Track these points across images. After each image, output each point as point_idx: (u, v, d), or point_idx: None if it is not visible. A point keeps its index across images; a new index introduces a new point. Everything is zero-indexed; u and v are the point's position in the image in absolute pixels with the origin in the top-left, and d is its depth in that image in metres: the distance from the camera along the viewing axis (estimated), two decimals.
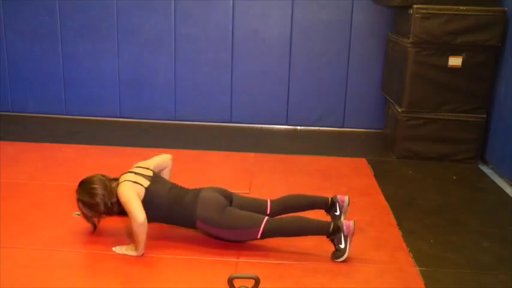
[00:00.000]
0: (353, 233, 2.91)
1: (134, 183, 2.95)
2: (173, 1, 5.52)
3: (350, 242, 2.91)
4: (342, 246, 2.90)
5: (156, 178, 3.07)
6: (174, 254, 2.98)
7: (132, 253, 2.93)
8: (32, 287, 2.63)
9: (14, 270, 2.77)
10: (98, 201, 2.95)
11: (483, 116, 4.66)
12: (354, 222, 2.94)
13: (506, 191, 4.13)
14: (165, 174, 3.30)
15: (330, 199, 3.27)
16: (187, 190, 3.08)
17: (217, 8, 5.53)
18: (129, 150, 4.77)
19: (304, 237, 3.00)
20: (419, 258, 3.01)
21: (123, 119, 5.83)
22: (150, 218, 2.97)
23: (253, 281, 2.29)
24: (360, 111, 5.69)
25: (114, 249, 2.97)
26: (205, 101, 5.76)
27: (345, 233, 2.90)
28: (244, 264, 2.86)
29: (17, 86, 5.89)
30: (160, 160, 3.27)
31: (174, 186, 3.10)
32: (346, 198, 3.28)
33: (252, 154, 4.80)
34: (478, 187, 4.26)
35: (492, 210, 3.83)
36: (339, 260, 2.91)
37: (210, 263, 2.89)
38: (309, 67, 5.61)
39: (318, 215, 3.16)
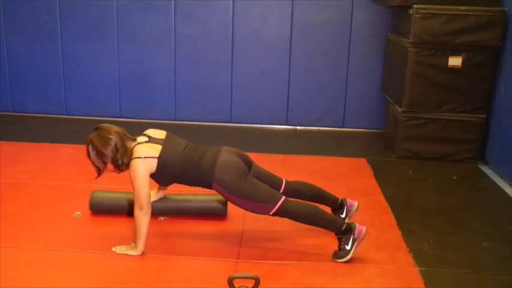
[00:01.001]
0: (362, 238, 2.91)
1: (145, 160, 2.86)
2: (173, 1, 5.52)
3: (357, 246, 2.90)
4: (348, 248, 2.89)
5: (168, 141, 2.98)
6: (174, 253, 2.98)
7: (133, 252, 2.93)
8: (32, 287, 2.63)
9: (14, 270, 2.77)
10: (108, 153, 2.87)
11: (483, 116, 4.66)
12: (366, 228, 2.92)
13: (506, 191, 4.12)
14: None
15: (340, 200, 3.27)
16: (204, 150, 2.98)
17: (217, 8, 5.53)
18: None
19: (303, 235, 3.00)
20: (419, 258, 3.01)
21: (123, 119, 5.83)
22: (167, 182, 2.98)
23: (253, 281, 2.29)
24: (360, 111, 5.69)
25: (114, 249, 2.96)
26: (205, 101, 5.76)
27: (355, 236, 2.89)
28: (244, 264, 2.86)
29: (17, 86, 5.89)
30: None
31: (188, 146, 3.00)
32: (355, 203, 3.28)
33: (252, 154, 4.77)
34: (478, 187, 4.26)
35: (492, 210, 3.83)
36: (339, 261, 2.90)
37: (210, 263, 2.89)
38: (309, 67, 5.61)
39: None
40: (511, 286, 2.77)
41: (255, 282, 2.29)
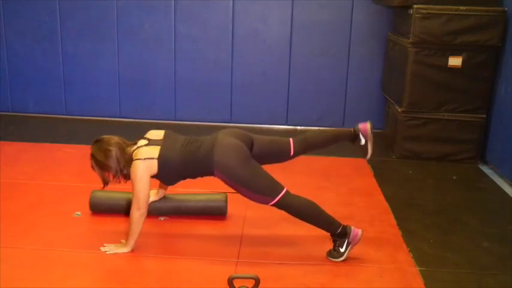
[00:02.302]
0: (357, 242, 2.91)
1: (145, 161, 2.86)
2: (173, 1, 5.52)
3: (351, 249, 2.91)
4: (342, 250, 2.90)
5: (166, 140, 2.97)
6: (174, 254, 2.98)
7: (123, 250, 2.93)
8: (32, 287, 2.63)
9: (14, 270, 2.77)
10: (111, 166, 2.89)
11: (483, 116, 4.65)
12: (362, 231, 2.93)
13: (506, 191, 4.12)
14: None
15: (353, 130, 3.17)
16: (201, 140, 2.97)
17: (217, 8, 5.53)
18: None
19: (302, 236, 3.00)
20: (419, 258, 3.01)
21: (123, 119, 5.83)
22: (172, 182, 2.98)
23: (253, 281, 2.29)
24: (360, 111, 5.68)
25: (103, 249, 2.96)
26: (205, 101, 5.76)
27: (350, 240, 2.89)
28: (244, 264, 2.86)
29: (17, 86, 5.89)
30: None
31: (186, 141, 2.99)
32: (368, 125, 3.16)
33: None
34: (478, 187, 4.26)
35: (492, 210, 3.83)
36: (333, 260, 2.91)
37: (210, 263, 2.89)
38: (309, 67, 5.61)
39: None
40: (511, 286, 2.77)
41: (255, 282, 2.29)
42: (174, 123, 5.77)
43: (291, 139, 3.13)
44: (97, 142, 2.99)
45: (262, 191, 2.85)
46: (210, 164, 2.85)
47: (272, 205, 2.87)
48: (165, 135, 3.02)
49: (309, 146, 3.14)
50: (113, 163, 2.89)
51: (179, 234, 3.19)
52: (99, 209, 3.41)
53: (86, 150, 4.74)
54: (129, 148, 2.96)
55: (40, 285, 2.64)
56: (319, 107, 5.70)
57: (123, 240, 2.98)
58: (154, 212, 3.35)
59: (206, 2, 5.52)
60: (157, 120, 5.79)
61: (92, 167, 2.98)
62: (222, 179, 2.89)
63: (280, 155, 3.06)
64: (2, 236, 3.09)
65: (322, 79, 5.63)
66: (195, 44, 5.62)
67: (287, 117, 5.76)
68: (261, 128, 5.75)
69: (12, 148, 4.75)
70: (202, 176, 2.97)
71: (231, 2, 5.50)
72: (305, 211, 2.91)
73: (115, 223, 3.29)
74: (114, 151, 2.90)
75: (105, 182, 2.98)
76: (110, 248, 2.95)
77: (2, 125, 5.51)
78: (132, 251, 2.94)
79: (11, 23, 5.71)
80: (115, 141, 2.96)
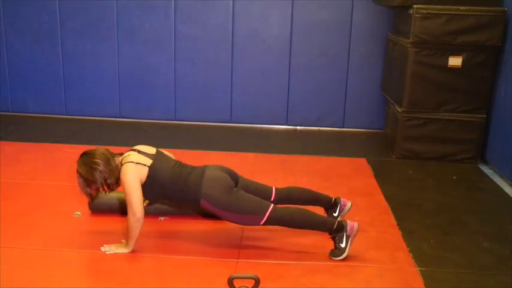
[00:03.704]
0: (355, 234, 2.92)
1: (137, 165, 2.87)
2: (173, 1, 5.52)
3: (351, 243, 2.91)
4: (343, 245, 2.90)
5: (159, 156, 3.00)
6: (174, 254, 2.98)
7: (123, 250, 2.93)
8: (32, 287, 2.63)
9: (14, 270, 2.77)
10: (96, 178, 2.86)
11: (483, 116, 4.65)
12: (358, 223, 2.94)
13: (506, 191, 4.12)
14: None
15: (333, 199, 3.28)
16: (192, 167, 3.02)
17: (217, 8, 5.53)
18: (129, 150, 4.75)
19: (302, 235, 3.00)
20: (419, 258, 3.01)
21: (123, 119, 5.83)
22: (154, 197, 2.96)
23: (253, 281, 2.29)
24: (360, 111, 5.69)
25: (103, 249, 2.96)
26: (205, 101, 5.76)
27: (348, 233, 2.90)
28: (244, 264, 2.86)
29: (17, 86, 5.89)
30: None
31: (177, 163, 3.03)
32: (349, 203, 3.29)
33: (252, 154, 4.80)
34: (478, 187, 4.26)
35: (492, 210, 3.83)
36: (337, 259, 2.91)
37: (210, 263, 2.89)
38: (309, 67, 5.61)
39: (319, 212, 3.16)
40: (511, 286, 2.77)
41: (255, 282, 2.29)
42: (174, 123, 5.78)
43: (274, 188, 3.18)
44: (81, 156, 2.96)
45: (250, 210, 2.89)
46: (197, 194, 2.89)
47: (264, 222, 2.89)
48: (157, 151, 3.04)
49: (290, 199, 3.17)
50: (98, 176, 2.87)
51: (179, 234, 3.19)
52: (98, 209, 3.41)
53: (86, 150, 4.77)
54: (115, 159, 2.95)
55: (40, 285, 2.64)
56: (319, 107, 5.70)
57: (123, 240, 2.99)
58: (154, 212, 3.35)
59: (206, 2, 5.53)
60: (157, 120, 5.79)
61: (78, 182, 2.94)
62: (209, 209, 2.93)
63: (261, 197, 3.05)
64: (2, 236, 3.09)
65: (322, 79, 5.63)
66: (195, 44, 5.62)
67: (287, 117, 5.76)
68: (261, 128, 5.75)
69: (12, 148, 4.75)
70: (183, 204, 3.02)
71: (231, 2, 5.50)
72: (298, 219, 2.94)
73: (115, 223, 3.29)
74: (99, 162, 2.88)
75: (91, 197, 2.98)
76: (110, 248, 2.96)
77: (2, 125, 5.52)
78: (132, 251, 2.94)
79: (11, 23, 5.72)
80: (99, 152, 2.95)
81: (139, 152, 2.98)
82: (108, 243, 3.00)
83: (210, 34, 5.59)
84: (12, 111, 5.95)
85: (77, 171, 2.92)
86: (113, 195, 3.41)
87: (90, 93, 5.82)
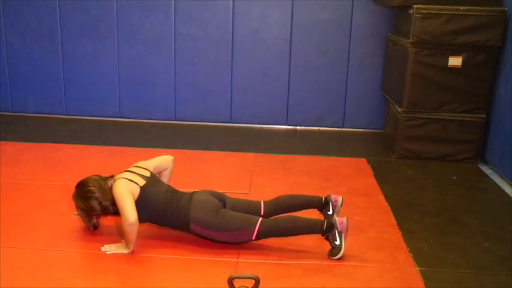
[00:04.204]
0: (347, 228, 2.93)
1: (130, 182, 2.95)
2: (173, 1, 5.52)
3: (345, 238, 2.92)
4: (338, 242, 2.91)
5: (152, 179, 3.08)
6: (174, 254, 2.98)
7: (123, 251, 2.94)
8: (32, 287, 2.63)
9: (14, 270, 2.77)
10: (93, 205, 2.97)
11: (483, 116, 4.66)
12: (347, 218, 2.95)
13: (506, 191, 4.13)
14: (165, 176, 3.31)
15: (323, 198, 3.27)
16: (181, 193, 3.09)
17: (217, 8, 5.53)
18: (129, 150, 4.77)
19: (302, 236, 3.00)
20: (419, 258, 3.01)
21: (123, 119, 5.83)
22: (144, 218, 2.98)
23: (253, 281, 2.29)
24: (360, 111, 5.69)
25: (103, 249, 2.97)
26: (205, 101, 5.76)
27: (339, 229, 2.91)
28: (244, 264, 2.86)
29: (17, 86, 5.89)
30: (161, 161, 3.27)
31: (169, 188, 3.11)
32: (339, 198, 3.27)
33: (252, 154, 4.80)
34: (478, 187, 4.26)
35: (492, 210, 3.83)
36: (336, 258, 2.91)
37: (210, 263, 2.89)
38: (309, 67, 5.61)
39: (314, 215, 3.16)
40: (511, 286, 2.77)
41: (255, 282, 2.29)
42: (174, 123, 5.77)
43: (262, 202, 3.19)
44: (76, 189, 3.06)
45: (239, 227, 2.93)
46: (187, 218, 2.95)
47: (255, 237, 2.93)
48: (152, 174, 3.10)
49: (280, 209, 3.17)
50: (93, 202, 2.96)
51: (179, 234, 3.19)
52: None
53: (86, 150, 4.78)
54: (107, 181, 3.03)
55: (40, 285, 2.64)
56: (319, 107, 5.70)
57: (123, 241, 2.99)
58: None
59: (206, 2, 5.53)
60: (157, 120, 5.79)
61: (80, 218, 3.08)
62: (199, 232, 2.98)
63: (250, 213, 3.07)
64: (2, 236, 3.09)
65: (322, 79, 5.63)
66: (195, 44, 5.62)
67: (287, 117, 5.76)
68: (261, 128, 5.75)
69: (12, 148, 4.75)
70: (174, 227, 3.05)
71: (231, 2, 5.50)
72: (287, 227, 2.96)
73: (115, 223, 3.28)
74: (92, 189, 2.96)
75: (95, 227, 3.09)
76: (110, 248, 2.96)
77: (2, 125, 5.52)
78: (132, 251, 2.94)
79: (11, 23, 5.72)
80: (92, 179, 3.04)
81: (133, 173, 3.04)
82: (108, 243, 3.00)
83: (210, 34, 5.59)
84: (12, 111, 5.95)
85: (76, 206, 3.04)
86: None
87: (90, 93, 5.82)
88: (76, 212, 3.42)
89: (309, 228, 2.96)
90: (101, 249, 2.96)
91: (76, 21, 5.65)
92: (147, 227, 3.15)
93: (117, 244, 2.99)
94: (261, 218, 2.95)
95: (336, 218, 2.94)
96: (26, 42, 5.75)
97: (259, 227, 2.91)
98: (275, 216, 3.08)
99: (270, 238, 2.99)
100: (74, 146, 4.83)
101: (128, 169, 3.09)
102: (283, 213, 3.15)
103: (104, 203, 2.96)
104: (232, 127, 5.75)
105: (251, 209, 3.12)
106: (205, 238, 3.02)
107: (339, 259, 2.91)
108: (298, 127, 5.79)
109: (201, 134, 5.50)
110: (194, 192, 3.08)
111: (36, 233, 3.17)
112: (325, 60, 5.58)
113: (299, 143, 5.34)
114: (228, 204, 3.09)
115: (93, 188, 2.97)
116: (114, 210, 2.98)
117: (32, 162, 4.42)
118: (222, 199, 3.08)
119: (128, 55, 5.69)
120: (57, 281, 2.68)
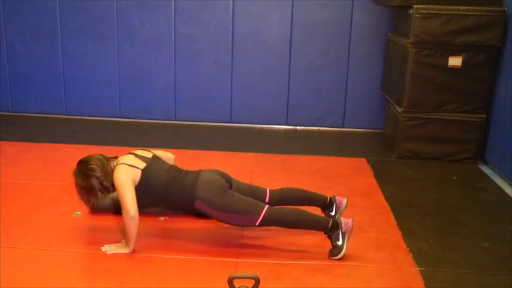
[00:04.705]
0: (351, 230, 2.93)
1: (130, 167, 2.90)
2: (173, 1, 5.52)
3: (348, 240, 2.92)
4: (340, 243, 2.91)
5: (154, 160, 3.03)
6: (174, 254, 2.98)
7: (124, 251, 2.93)
8: (32, 287, 2.63)
9: (14, 270, 2.77)
10: (93, 184, 2.90)
11: (483, 116, 4.65)
12: (352, 219, 2.95)
13: (506, 191, 4.12)
14: None
15: (328, 198, 3.28)
16: (186, 171, 3.05)
17: (217, 8, 5.53)
18: (129, 150, 4.74)
19: (302, 235, 3.01)
20: (419, 258, 3.01)
21: (123, 119, 5.83)
22: (147, 202, 2.97)
23: (253, 281, 2.29)
24: (360, 111, 5.69)
25: (103, 249, 2.96)
26: (205, 101, 5.76)
27: (343, 230, 2.91)
28: (244, 264, 2.86)
29: (17, 86, 5.89)
30: (163, 154, 3.24)
31: (172, 168, 3.06)
32: (344, 200, 3.28)
33: (252, 154, 4.80)
34: (478, 187, 4.26)
35: (492, 210, 3.83)
36: (336, 258, 2.91)
37: (210, 263, 2.89)
38: (309, 67, 5.61)
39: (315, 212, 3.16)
40: (511, 286, 2.77)
41: (255, 282, 2.29)
42: (174, 123, 5.77)
43: (268, 190, 3.19)
44: (77, 166, 3.00)
45: (245, 211, 2.90)
46: (192, 196, 2.91)
47: (260, 223, 2.90)
48: (153, 156, 3.07)
49: (285, 200, 3.17)
50: (94, 181, 2.91)
51: (179, 234, 3.19)
52: (99, 208, 3.41)
53: (86, 150, 4.76)
54: (110, 162, 2.99)
55: (40, 285, 2.64)
56: (319, 107, 5.71)
57: (123, 240, 2.98)
58: (154, 212, 3.35)
59: (206, 2, 5.53)
60: (157, 120, 5.79)
61: (78, 194, 3.00)
62: (203, 210, 2.94)
63: (255, 199, 3.05)
64: (2, 236, 3.09)
65: (322, 79, 5.63)
66: (195, 44, 5.62)
67: (287, 117, 5.76)
68: (261, 128, 5.75)
69: (12, 148, 4.75)
70: (178, 207, 3.04)
71: (231, 2, 5.50)
72: (293, 219, 2.95)
73: (115, 223, 3.29)
74: (94, 167, 2.92)
75: (93, 206, 3.06)
76: (110, 248, 2.95)
77: (2, 125, 5.52)
78: (132, 251, 2.94)
79: (11, 23, 5.72)
80: (95, 157, 2.99)
81: (135, 155, 3.01)
82: (108, 243, 3.00)
83: (210, 34, 5.59)
84: (12, 111, 5.95)
85: (75, 182, 2.97)
86: (113, 195, 3.41)
87: (90, 93, 5.82)
88: (76, 212, 3.43)
89: (313, 224, 2.96)
90: (101, 249, 2.96)
91: (76, 21, 5.65)
92: (147, 227, 3.15)
93: (117, 244, 2.98)
94: (267, 206, 2.93)
95: (342, 219, 2.94)
96: (26, 42, 5.75)
97: (265, 213, 2.88)
98: (281, 206, 3.06)
99: (272, 227, 2.97)
100: (74, 146, 4.83)
101: (131, 152, 3.06)
102: (286, 204, 3.13)
103: (105, 183, 2.92)
104: (232, 127, 5.75)
105: (257, 194, 3.10)
106: (208, 217, 2.99)
107: (339, 259, 2.91)
108: (298, 127, 5.79)
109: (201, 134, 5.50)
110: (200, 171, 3.03)
111: (36, 233, 3.17)
112: (325, 60, 5.58)
113: (299, 143, 5.34)
114: (234, 185, 3.07)
115: (95, 167, 2.92)
116: (115, 190, 2.93)
117: (32, 162, 4.42)
118: (228, 179, 3.06)
119: (128, 55, 5.69)
120: (57, 281, 2.68)
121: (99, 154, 3.04)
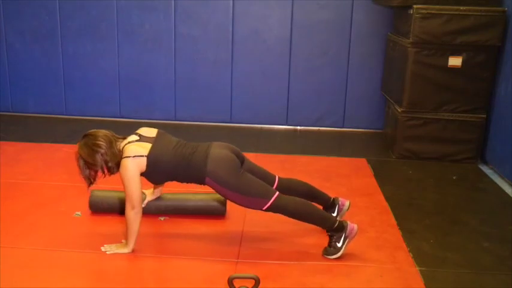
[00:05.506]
0: (353, 237, 2.93)
1: (134, 158, 2.82)
2: (173, 1, 5.52)
3: (347, 244, 2.92)
4: (339, 245, 2.91)
5: (159, 138, 2.95)
6: (174, 254, 2.98)
7: (124, 251, 2.93)
8: (32, 287, 2.63)
9: (14, 270, 2.77)
10: (97, 160, 2.83)
11: (483, 116, 4.66)
12: (358, 226, 2.95)
13: (506, 191, 4.12)
14: None
15: (331, 199, 3.28)
16: (195, 145, 2.96)
17: (217, 8, 5.53)
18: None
19: (302, 235, 3.01)
20: (419, 258, 3.01)
21: (123, 119, 5.83)
22: (158, 181, 2.96)
23: (253, 281, 2.29)
24: (360, 111, 5.69)
25: (103, 249, 2.95)
26: (205, 101, 5.76)
27: (347, 234, 2.90)
28: (244, 264, 2.86)
29: (17, 86, 5.89)
30: None
31: (179, 143, 2.97)
32: (347, 202, 3.28)
33: (252, 154, 4.78)
34: (478, 187, 4.26)
35: (492, 210, 3.83)
36: (330, 257, 2.92)
37: (210, 263, 2.89)
38: (309, 67, 5.61)
39: None
40: (511, 286, 2.77)
41: (255, 282, 2.29)
42: (174, 123, 5.77)
43: (277, 177, 3.16)
44: (84, 137, 2.93)
45: (256, 194, 2.85)
46: (202, 172, 2.85)
47: (267, 208, 2.87)
48: (158, 134, 3.00)
49: (290, 191, 3.11)
50: (99, 158, 2.84)
51: (179, 234, 3.19)
52: (99, 208, 3.41)
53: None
54: (118, 143, 2.92)
55: (40, 285, 2.64)
56: (319, 107, 5.71)
57: (123, 240, 2.99)
58: (154, 211, 3.35)
59: (206, 2, 5.53)
60: (157, 120, 5.78)
61: (78, 165, 2.90)
62: (213, 187, 2.89)
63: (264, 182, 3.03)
64: (2, 236, 3.09)
65: (322, 79, 5.63)
66: (195, 44, 5.62)
67: (287, 117, 5.76)
68: (261, 128, 5.75)
69: (12, 148, 4.75)
70: (190, 182, 2.95)
71: (231, 2, 5.50)
72: (301, 210, 2.93)
73: (115, 223, 3.29)
74: (101, 144, 2.84)
75: (90, 182, 2.93)
76: (110, 248, 2.95)
77: (2, 125, 5.52)
78: (132, 251, 2.94)
79: (11, 23, 5.72)
80: (102, 133, 2.91)
81: (140, 137, 2.94)
82: (108, 243, 3.00)
83: (210, 34, 5.59)
84: (12, 111, 5.95)
85: (78, 152, 2.89)
86: (113, 195, 3.42)
87: (90, 93, 5.82)
88: (76, 212, 3.43)
89: (320, 220, 2.94)
90: (100, 249, 2.96)
91: (76, 21, 5.65)
92: (147, 227, 3.15)
93: (117, 244, 2.98)
94: (278, 192, 2.89)
95: (349, 223, 2.93)
96: (26, 42, 5.75)
97: (274, 200, 2.85)
98: (289, 196, 2.99)
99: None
100: (74, 146, 4.80)
101: (136, 132, 3.00)
102: (292, 195, 3.09)
103: (109, 163, 2.85)
104: (232, 127, 5.75)
105: (266, 179, 3.05)
106: (217, 192, 2.93)
107: (337, 259, 2.91)
108: (298, 127, 5.79)
109: (201, 134, 5.50)
110: (210, 145, 2.94)
111: (36, 233, 3.17)
112: (325, 60, 5.58)
113: (299, 143, 5.34)
114: (246, 164, 3.02)
115: (102, 143, 2.84)
116: (117, 171, 2.88)
117: (32, 162, 4.42)
118: (239, 155, 2.99)
119: (128, 55, 5.69)
120: (57, 281, 2.68)
121: (108, 130, 2.96)
